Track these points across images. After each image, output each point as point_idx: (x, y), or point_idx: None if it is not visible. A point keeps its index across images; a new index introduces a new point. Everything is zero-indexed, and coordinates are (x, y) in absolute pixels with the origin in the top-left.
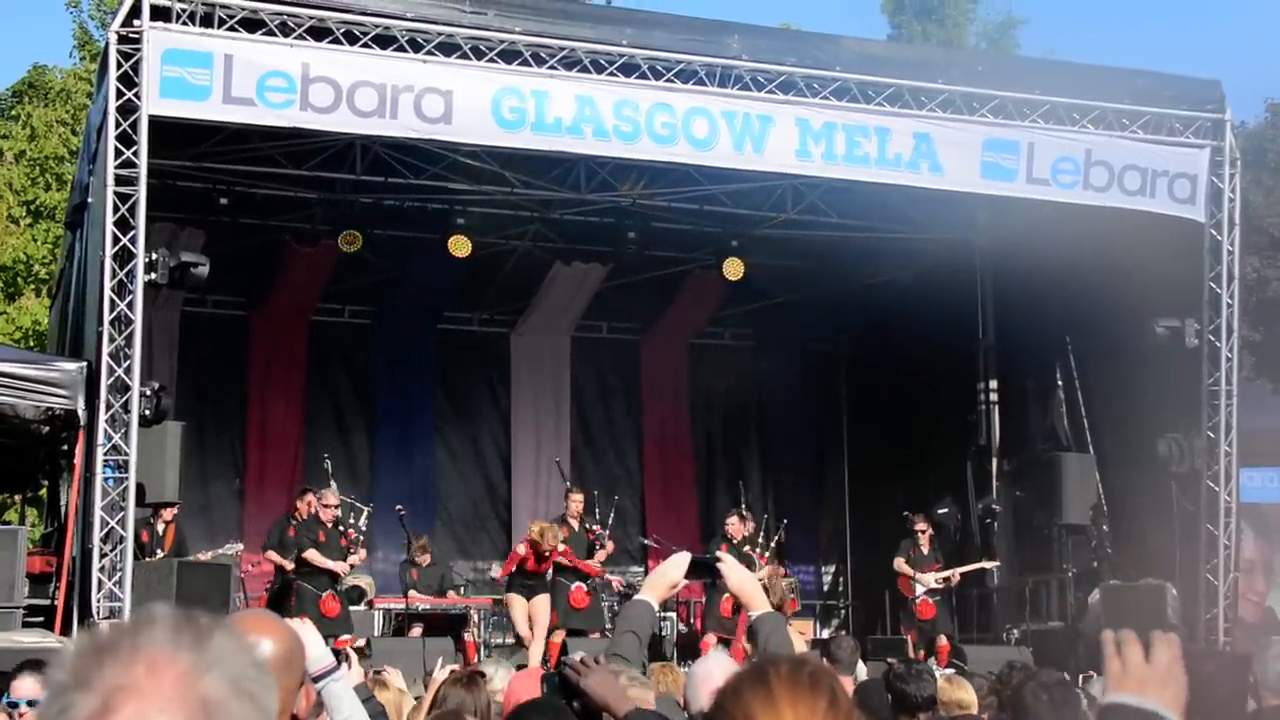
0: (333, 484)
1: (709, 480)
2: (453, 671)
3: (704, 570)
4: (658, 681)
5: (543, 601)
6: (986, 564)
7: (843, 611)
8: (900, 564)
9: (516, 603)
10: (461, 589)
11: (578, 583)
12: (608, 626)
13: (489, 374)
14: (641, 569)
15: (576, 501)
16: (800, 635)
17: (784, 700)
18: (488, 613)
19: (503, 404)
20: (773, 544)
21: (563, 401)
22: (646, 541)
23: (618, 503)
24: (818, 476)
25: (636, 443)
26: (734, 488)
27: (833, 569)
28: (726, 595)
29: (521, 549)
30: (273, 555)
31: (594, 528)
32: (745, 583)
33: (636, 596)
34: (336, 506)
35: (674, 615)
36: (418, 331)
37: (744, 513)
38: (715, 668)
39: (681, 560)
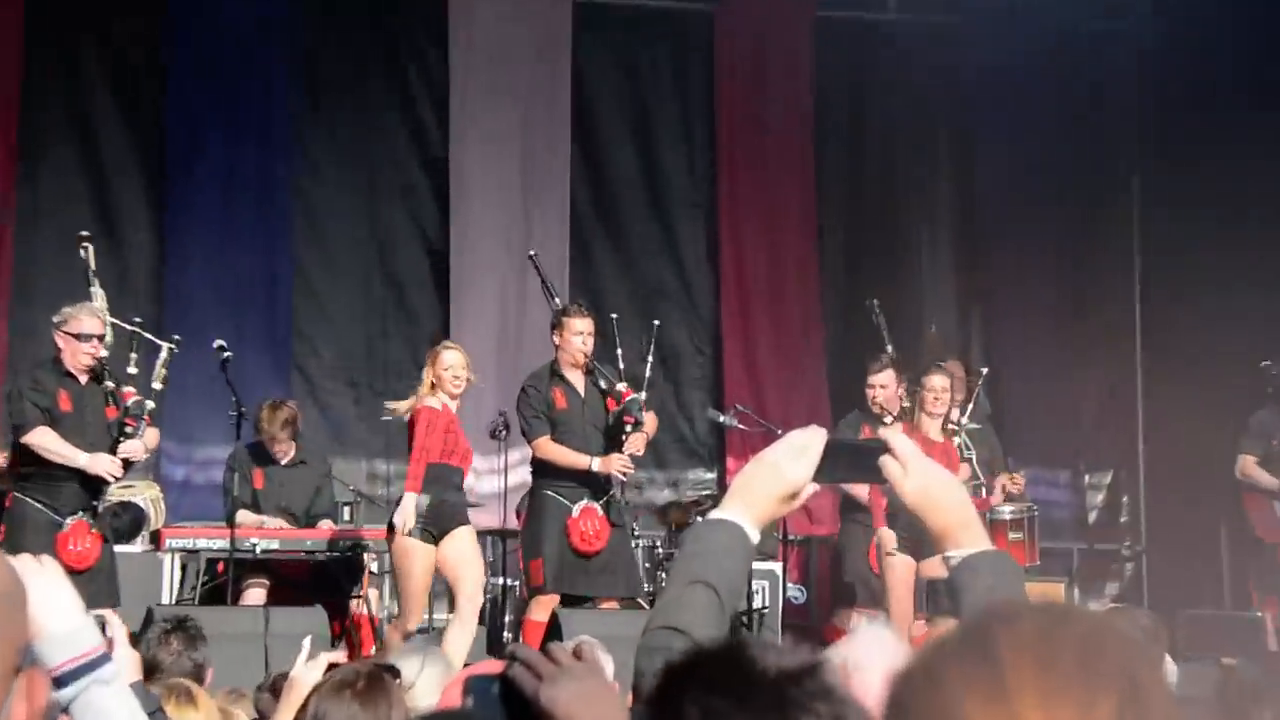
0: (96, 290)
1: (850, 287)
2: (332, 667)
3: (854, 463)
4: None
5: (463, 540)
6: None
7: (1128, 563)
8: (1250, 466)
9: (412, 553)
10: (349, 511)
11: (584, 501)
12: (648, 589)
13: (409, 48)
14: (713, 474)
15: (579, 334)
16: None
17: (1028, 691)
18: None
19: (431, 122)
20: (975, 426)
21: (558, 122)
22: (722, 419)
23: (663, 337)
24: (1081, 294)
25: (700, 207)
26: (908, 304)
27: (1106, 480)
28: (886, 515)
29: (434, 403)
30: None
31: (619, 387)
32: (939, 489)
33: (714, 514)
34: (100, 338)
35: (776, 569)
36: None
37: (941, 364)
38: (875, 654)
39: (808, 441)
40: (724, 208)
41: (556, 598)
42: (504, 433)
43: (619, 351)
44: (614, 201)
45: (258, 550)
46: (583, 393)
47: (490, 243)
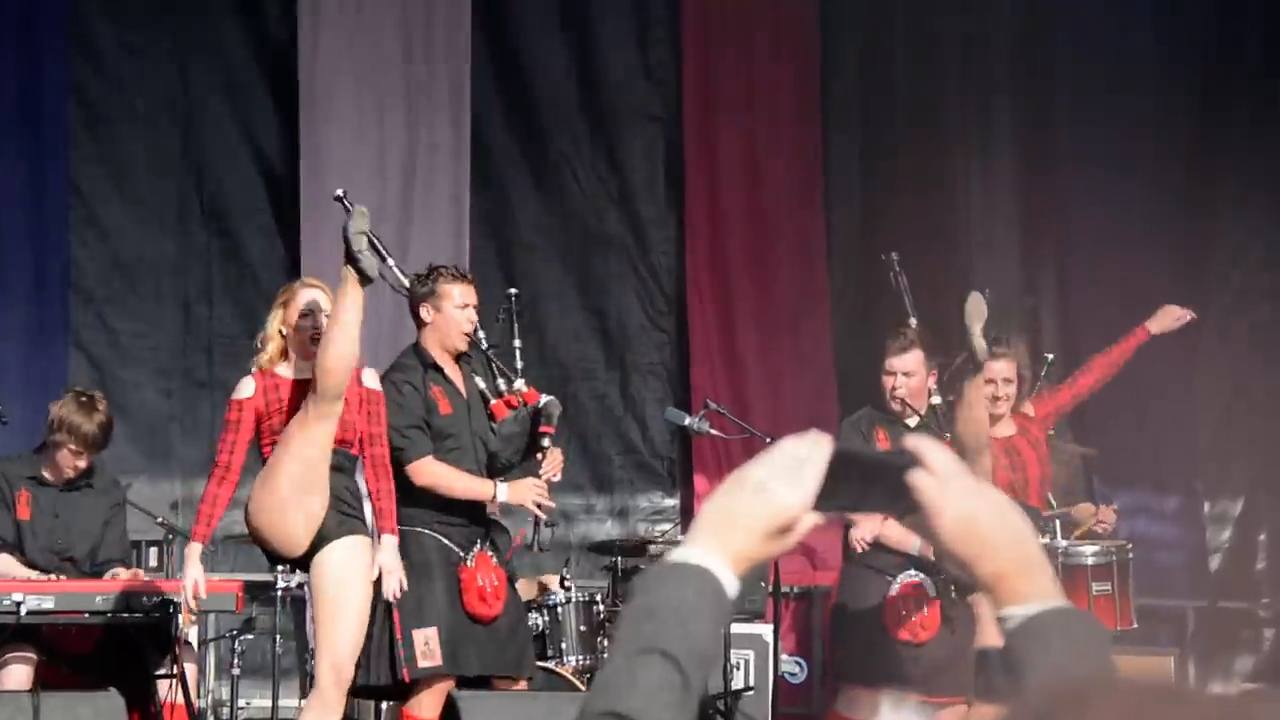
0: None
1: (867, 235)
2: None
3: (870, 483)
4: None
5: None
6: None
7: (1267, 629)
8: None
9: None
10: (154, 553)
11: (477, 548)
12: (582, 660)
13: None
14: (674, 500)
15: (461, 306)
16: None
17: None
18: (230, 621)
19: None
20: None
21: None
22: (688, 421)
23: (605, 306)
24: (1199, 252)
25: (657, 120)
26: (950, 264)
27: (1236, 510)
28: (911, 593)
29: (248, 389)
30: None
31: (518, 384)
32: (991, 519)
33: (676, 555)
34: None
35: (765, 633)
36: None
37: (1003, 341)
38: None
39: (807, 454)
40: (691, 122)
41: (449, 683)
42: None
43: (516, 343)
44: (534, 110)
45: (22, 610)
46: (464, 391)
47: (357, 167)
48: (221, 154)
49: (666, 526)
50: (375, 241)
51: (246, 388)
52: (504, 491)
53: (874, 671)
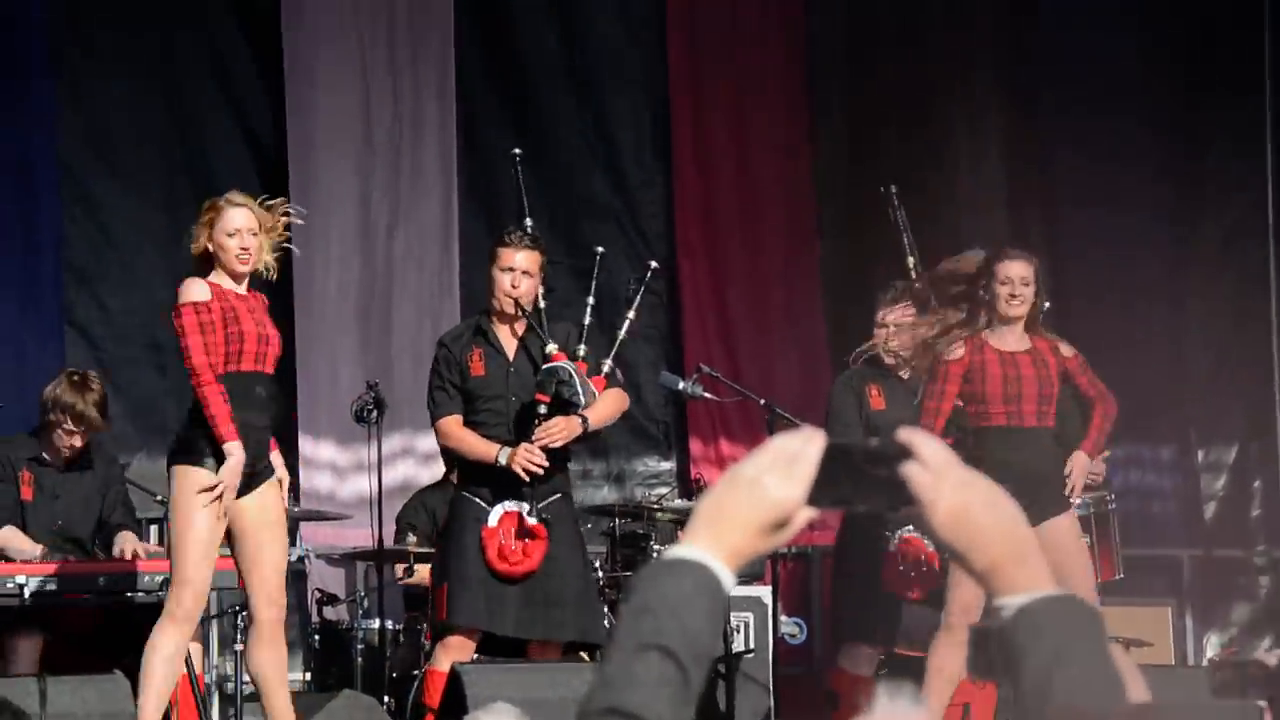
0: None
1: (856, 186)
2: None
3: (865, 476)
4: None
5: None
6: None
7: (1263, 576)
8: None
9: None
10: (156, 531)
11: (506, 505)
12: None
13: None
14: (669, 464)
15: (506, 270)
16: (1129, 657)
17: None
18: (233, 596)
19: None
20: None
21: None
22: (681, 385)
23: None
24: (1191, 193)
25: (640, 83)
26: (939, 211)
27: (1229, 458)
28: (910, 549)
29: (204, 291)
30: None
31: (548, 348)
32: (984, 509)
33: (673, 551)
34: None
35: (765, 595)
36: None
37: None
38: None
39: (800, 449)
40: (676, 83)
41: (470, 641)
42: (373, 414)
43: (590, 300)
44: (520, 76)
45: (26, 593)
46: (511, 355)
47: (343, 143)
48: (208, 125)
49: (663, 490)
50: (519, 178)
51: (200, 289)
52: (504, 455)
53: (875, 628)
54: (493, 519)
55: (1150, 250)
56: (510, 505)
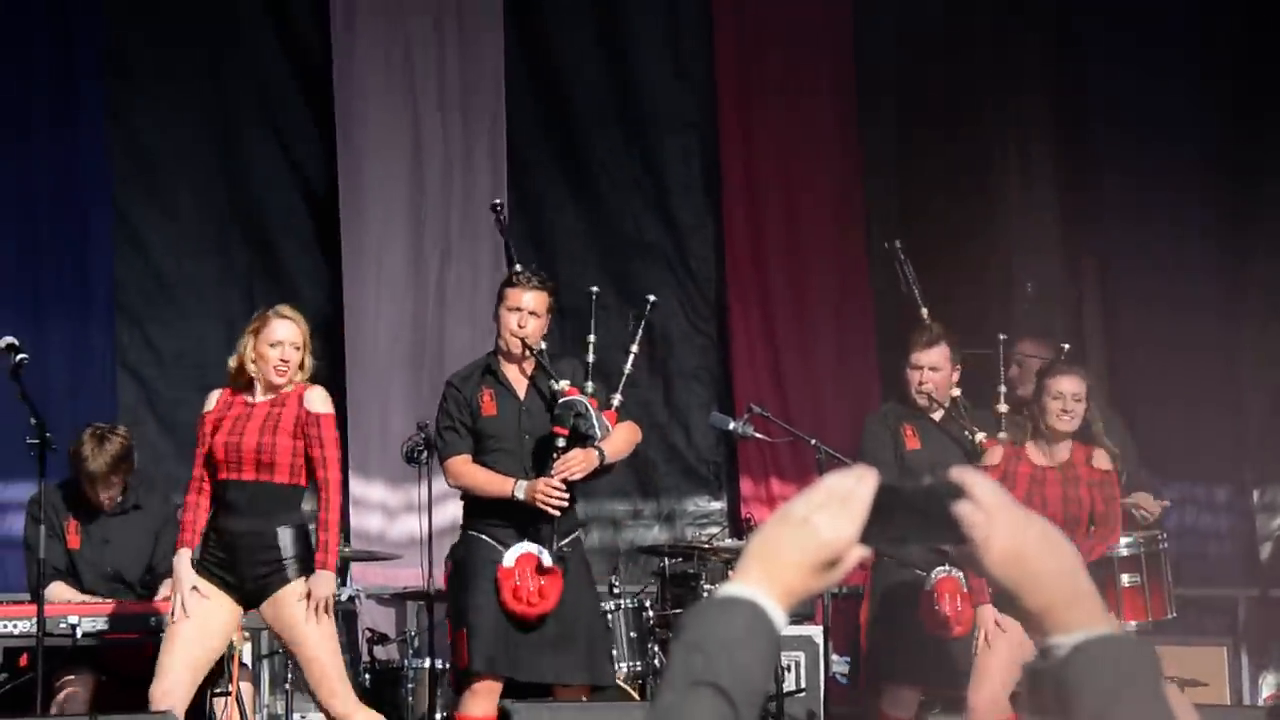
0: None
1: (909, 229)
2: None
3: (917, 515)
4: None
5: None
6: None
7: None
8: None
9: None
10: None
11: (522, 546)
12: (633, 667)
13: None
14: (720, 504)
15: (513, 310)
16: (1184, 697)
17: None
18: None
19: (304, 8)
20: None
21: (486, 5)
22: (732, 425)
23: (654, 317)
24: (1247, 230)
25: (694, 126)
26: (993, 251)
27: None
28: (946, 587)
29: (210, 402)
30: None
31: (559, 385)
32: (1039, 550)
33: (725, 589)
34: None
35: (815, 635)
36: None
37: (1058, 361)
38: None
39: (852, 488)
40: (726, 125)
41: (495, 685)
42: (424, 455)
43: (591, 339)
44: (569, 119)
45: (78, 633)
46: (522, 395)
47: (393, 184)
48: (259, 168)
49: (714, 530)
50: (503, 232)
51: (210, 401)
52: (521, 489)
53: (915, 669)
54: (509, 559)
55: (1206, 280)
56: (528, 547)
